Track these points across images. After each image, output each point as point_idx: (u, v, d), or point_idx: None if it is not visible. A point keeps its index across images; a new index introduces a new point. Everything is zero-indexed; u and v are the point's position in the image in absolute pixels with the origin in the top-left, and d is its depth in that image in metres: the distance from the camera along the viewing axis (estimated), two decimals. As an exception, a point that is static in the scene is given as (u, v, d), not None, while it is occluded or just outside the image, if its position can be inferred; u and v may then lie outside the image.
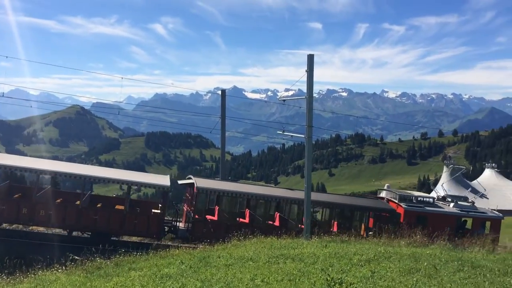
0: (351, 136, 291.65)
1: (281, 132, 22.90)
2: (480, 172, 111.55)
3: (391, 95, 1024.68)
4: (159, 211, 22.69)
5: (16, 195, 21.28)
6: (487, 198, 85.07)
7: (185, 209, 24.62)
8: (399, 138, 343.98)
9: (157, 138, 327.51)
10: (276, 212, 24.70)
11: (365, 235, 20.16)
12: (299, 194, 23.57)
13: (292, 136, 23.75)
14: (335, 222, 24.59)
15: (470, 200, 27.54)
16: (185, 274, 10.25)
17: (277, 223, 23.71)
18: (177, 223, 23.35)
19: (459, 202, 25.92)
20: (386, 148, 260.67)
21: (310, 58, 18.84)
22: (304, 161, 20.08)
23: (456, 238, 18.07)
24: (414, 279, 9.14)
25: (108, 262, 12.39)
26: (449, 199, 26.64)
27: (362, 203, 25.49)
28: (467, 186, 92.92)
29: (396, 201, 24.86)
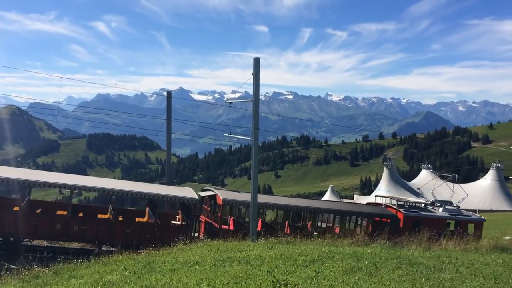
0: (296, 138, 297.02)
1: (227, 135, 22.87)
2: (417, 172, 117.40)
3: (335, 98, 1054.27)
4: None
5: None
6: (424, 198, 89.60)
7: (203, 220, 24.53)
8: (343, 140, 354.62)
9: (99, 140, 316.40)
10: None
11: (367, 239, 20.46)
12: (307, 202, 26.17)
13: (238, 138, 23.75)
14: (337, 228, 26.03)
15: (454, 205, 29.78)
16: (128, 281, 9.97)
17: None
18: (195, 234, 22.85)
19: (446, 207, 28.20)
20: (330, 150, 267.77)
21: (256, 61, 18.96)
22: (250, 163, 20.18)
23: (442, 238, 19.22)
24: (356, 277, 9.44)
25: (47, 271, 11.81)
26: (438, 204, 28.86)
27: (367, 210, 27.07)
28: (405, 186, 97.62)
29: (395, 207, 26.66)
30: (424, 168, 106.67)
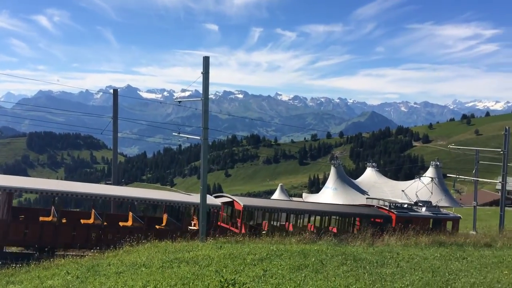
0: (247, 137, 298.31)
1: (177, 134, 22.59)
2: (363, 170, 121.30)
3: (284, 98, 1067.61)
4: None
5: None
6: (369, 195, 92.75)
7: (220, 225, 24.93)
8: (292, 140, 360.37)
9: (41, 138, 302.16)
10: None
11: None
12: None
13: (188, 138, 23.52)
14: (334, 228, 27.72)
15: (433, 204, 33.23)
16: (71, 286, 9.62)
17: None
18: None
19: (428, 207, 31.50)
20: (280, 149, 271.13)
21: (206, 60, 18.85)
22: (200, 162, 20.04)
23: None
24: (303, 275, 9.63)
25: (-18, 278, 11.16)
26: (421, 204, 31.92)
27: (363, 211, 29.52)
28: (351, 184, 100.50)
29: (387, 208, 29.31)
30: (369, 167, 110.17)
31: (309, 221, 28.72)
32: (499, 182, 36.42)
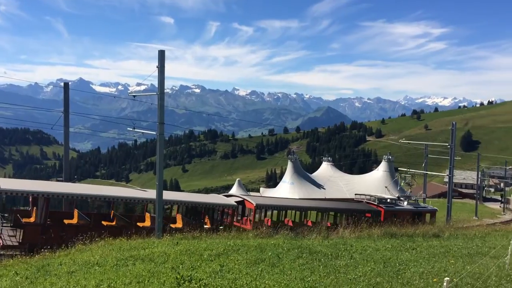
0: (204, 132, 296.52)
1: (132, 129, 22.12)
2: (319, 165, 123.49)
3: (242, 93, 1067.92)
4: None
5: None
6: (324, 189, 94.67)
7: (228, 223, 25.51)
8: (249, 135, 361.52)
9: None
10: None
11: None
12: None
13: (143, 133, 23.08)
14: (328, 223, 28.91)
15: (413, 199, 36.77)
16: (19, 287, 9.24)
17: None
18: None
19: (409, 201, 34.81)
20: (237, 144, 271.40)
21: (161, 54, 18.54)
22: (156, 157, 19.73)
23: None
24: (259, 269, 9.71)
25: None
26: (402, 199, 34.90)
27: (353, 207, 31.78)
28: (307, 178, 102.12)
29: (376, 203, 31.86)
30: (325, 161, 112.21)
31: (306, 217, 29.94)
32: (447, 175, 38.16)
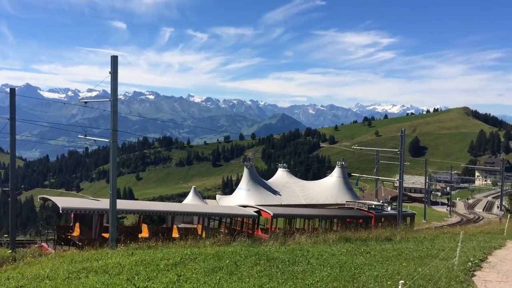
0: (158, 139, 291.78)
1: (83, 136, 21.41)
2: (274, 171, 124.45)
3: (197, 99, 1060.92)
4: None
5: None
6: (280, 195, 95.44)
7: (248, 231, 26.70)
8: (205, 141, 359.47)
9: None
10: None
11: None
12: None
13: (95, 140, 22.39)
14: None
15: (395, 205, 41.59)
16: (-39, 306, 8.68)
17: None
18: None
19: (391, 206, 40.01)
20: (192, 151, 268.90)
21: (114, 59, 18.12)
22: (109, 165, 19.17)
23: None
24: (217, 277, 9.62)
25: None
26: (385, 204, 39.48)
27: (350, 213, 34.44)
28: (263, 184, 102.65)
29: (366, 209, 35.10)
30: (280, 167, 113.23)
31: (301, 224, 32.24)
32: (397, 180, 39.59)
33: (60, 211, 20.92)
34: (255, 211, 28.04)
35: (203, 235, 22.92)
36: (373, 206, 36.51)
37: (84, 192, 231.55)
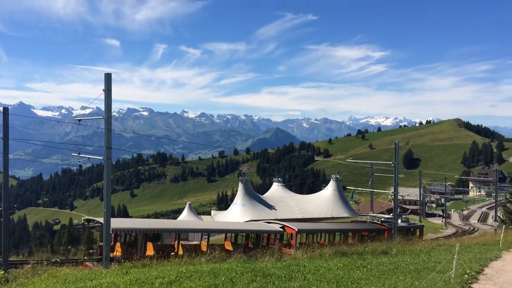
0: (153, 155, 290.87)
1: (76, 155, 21.32)
2: (269, 185, 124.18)
3: (191, 115, 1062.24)
4: None
5: None
6: (276, 209, 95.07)
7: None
8: (199, 157, 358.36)
9: None
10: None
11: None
12: None
13: (89, 158, 22.31)
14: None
15: (404, 217, 43.37)
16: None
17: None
18: None
19: (402, 219, 41.10)
20: (187, 166, 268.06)
21: (108, 76, 18.18)
22: (103, 183, 19.07)
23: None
24: (213, 295, 9.52)
25: None
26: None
27: (365, 227, 36.38)
28: (258, 199, 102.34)
29: (379, 222, 36.96)
30: (275, 182, 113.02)
31: (333, 238, 33.54)
32: (392, 192, 39.54)
33: (111, 232, 21.59)
34: (280, 227, 29.47)
35: (207, 251, 23.50)
36: (385, 219, 38.25)
37: (78, 210, 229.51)
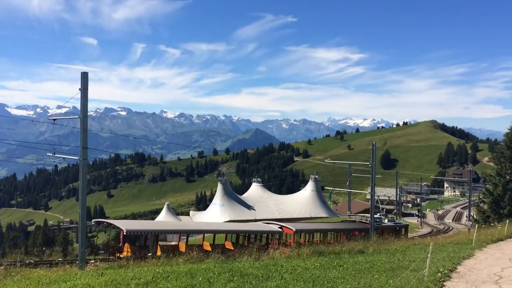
0: (131, 155, 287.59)
1: (52, 155, 20.96)
2: (249, 186, 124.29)
3: (170, 115, 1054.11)
4: None
5: None
6: (254, 210, 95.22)
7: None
8: (178, 157, 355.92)
9: None
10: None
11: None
12: None
13: (64, 158, 21.96)
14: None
15: (390, 217, 45.70)
16: None
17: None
18: None
19: (388, 219, 44.18)
20: (166, 167, 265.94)
21: (84, 75, 17.94)
22: (79, 183, 18.78)
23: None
24: (189, 295, 9.48)
25: None
26: (383, 217, 43.73)
27: (356, 226, 38.13)
28: (237, 199, 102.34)
29: (368, 222, 38.03)
30: (254, 182, 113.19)
31: (326, 237, 35.03)
32: (369, 192, 40.07)
33: (125, 233, 23.74)
34: (278, 227, 31.05)
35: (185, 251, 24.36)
36: (374, 218, 39.71)
37: (53, 211, 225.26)
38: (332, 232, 36.17)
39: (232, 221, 75.55)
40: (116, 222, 26.36)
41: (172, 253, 21.48)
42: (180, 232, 27.36)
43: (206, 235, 30.44)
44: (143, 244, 25.84)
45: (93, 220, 30.91)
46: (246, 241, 30.11)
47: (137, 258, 20.66)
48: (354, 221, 40.91)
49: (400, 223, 45.91)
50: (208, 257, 16.38)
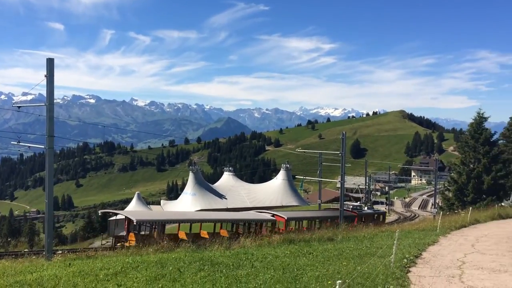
0: (100, 144, 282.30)
1: (16, 143, 20.36)
2: (220, 175, 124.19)
3: (140, 103, 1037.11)
4: None
5: None
6: (226, 199, 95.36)
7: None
8: (149, 146, 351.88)
9: None
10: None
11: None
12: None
13: (30, 146, 21.36)
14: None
15: (369, 205, 51.36)
16: None
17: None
18: None
19: (368, 206, 49.15)
20: (136, 156, 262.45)
21: (50, 62, 17.40)
22: (45, 172, 18.29)
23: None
24: (160, 285, 9.44)
25: None
26: (362, 205, 48.12)
27: (334, 214, 40.00)
28: (209, 189, 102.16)
29: (350, 209, 41.87)
30: (226, 171, 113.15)
31: (314, 225, 36.79)
32: (339, 181, 40.85)
33: (135, 223, 25.48)
34: (270, 216, 32.79)
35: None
36: (355, 206, 43.98)
37: (19, 200, 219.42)
38: (318, 220, 38.39)
39: (204, 210, 75.45)
40: (125, 213, 28.70)
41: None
42: (183, 222, 29.19)
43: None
44: (149, 233, 27.23)
45: (99, 212, 33.37)
46: (241, 230, 31.59)
47: (143, 246, 20.92)
48: (338, 209, 42.58)
49: (378, 210, 48.85)
50: (178, 246, 16.34)
